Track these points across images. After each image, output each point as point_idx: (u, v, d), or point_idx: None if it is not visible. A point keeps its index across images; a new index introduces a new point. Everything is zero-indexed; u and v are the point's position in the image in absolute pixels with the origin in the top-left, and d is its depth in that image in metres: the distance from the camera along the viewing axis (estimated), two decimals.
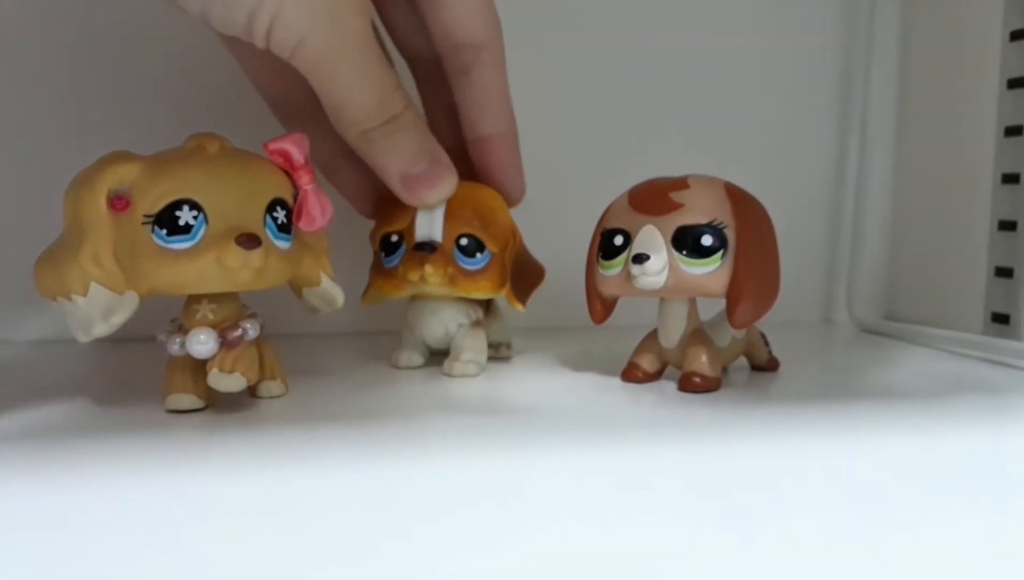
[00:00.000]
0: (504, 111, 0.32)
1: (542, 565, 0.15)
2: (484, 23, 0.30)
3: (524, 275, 0.33)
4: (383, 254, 0.32)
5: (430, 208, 0.30)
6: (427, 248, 0.30)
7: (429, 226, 0.30)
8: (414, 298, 0.32)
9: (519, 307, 0.32)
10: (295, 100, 0.31)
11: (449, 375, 0.31)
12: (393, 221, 0.31)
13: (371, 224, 0.33)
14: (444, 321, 0.32)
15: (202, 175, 0.24)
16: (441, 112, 0.33)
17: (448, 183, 0.30)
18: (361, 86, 0.27)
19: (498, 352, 0.35)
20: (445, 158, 0.30)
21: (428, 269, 0.29)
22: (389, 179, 0.29)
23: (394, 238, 0.31)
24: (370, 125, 0.28)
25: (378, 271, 0.32)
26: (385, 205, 0.32)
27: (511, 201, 0.33)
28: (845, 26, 0.47)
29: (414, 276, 0.29)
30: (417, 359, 0.33)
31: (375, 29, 0.29)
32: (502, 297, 0.32)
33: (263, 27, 0.25)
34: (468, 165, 0.32)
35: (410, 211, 0.30)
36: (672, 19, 0.45)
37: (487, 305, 0.34)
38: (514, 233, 0.32)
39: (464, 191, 0.31)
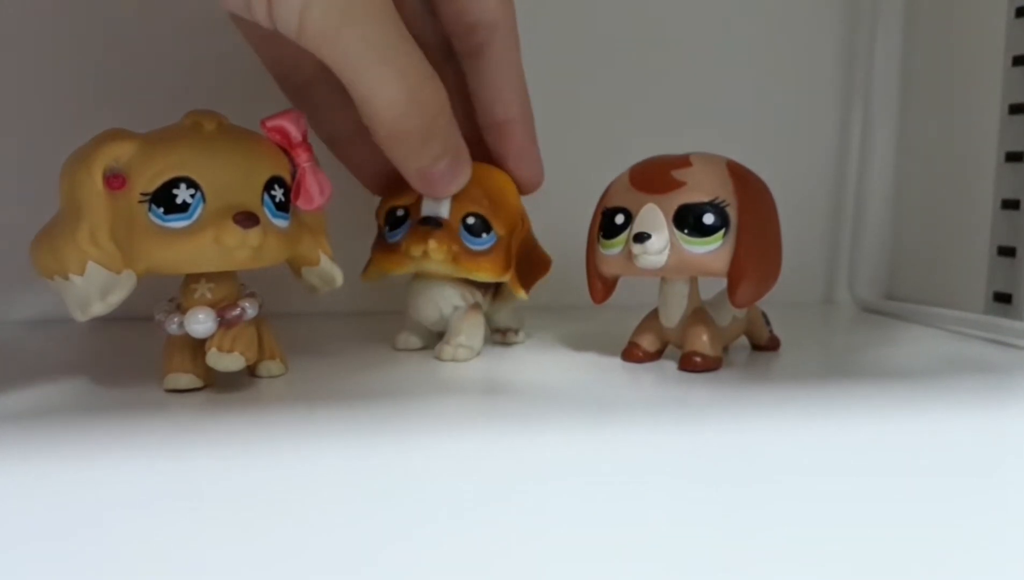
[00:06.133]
0: (519, 94, 0.31)
1: (541, 545, 0.15)
2: (498, 2, 0.29)
3: (529, 263, 0.32)
4: (387, 228, 0.31)
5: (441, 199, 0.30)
6: (432, 223, 0.29)
7: (437, 202, 0.30)
8: (414, 278, 0.32)
9: (521, 294, 0.31)
10: (302, 71, 0.30)
11: (439, 359, 0.30)
12: (400, 195, 0.30)
13: (375, 201, 0.32)
14: (437, 303, 0.31)
15: (199, 153, 0.24)
16: (453, 100, 0.31)
17: (464, 177, 0.29)
18: (380, 67, 0.24)
19: (506, 338, 0.34)
20: (465, 152, 0.29)
21: (432, 244, 0.28)
22: (405, 171, 0.28)
23: (399, 212, 0.30)
24: (406, 127, 0.26)
25: (380, 246, 0.31)
26: (392, 179, 0.31)
27: (528, 187, 0.32)
28: (848, 4, 0.47)
29: (417, 251, 0.29)
30: (415, 342, 0.32)
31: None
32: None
33: (263, 3, 0.23)
34: (484, 149, 0.32)
35: None
36: None
37: (496, 289, 0.33)
38: (523, 219, 0.32)
39: (476, 171, 0.30)
